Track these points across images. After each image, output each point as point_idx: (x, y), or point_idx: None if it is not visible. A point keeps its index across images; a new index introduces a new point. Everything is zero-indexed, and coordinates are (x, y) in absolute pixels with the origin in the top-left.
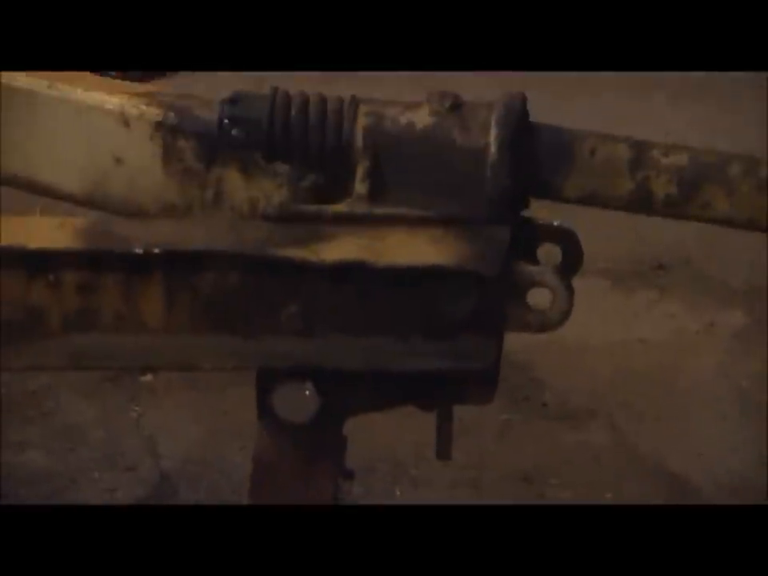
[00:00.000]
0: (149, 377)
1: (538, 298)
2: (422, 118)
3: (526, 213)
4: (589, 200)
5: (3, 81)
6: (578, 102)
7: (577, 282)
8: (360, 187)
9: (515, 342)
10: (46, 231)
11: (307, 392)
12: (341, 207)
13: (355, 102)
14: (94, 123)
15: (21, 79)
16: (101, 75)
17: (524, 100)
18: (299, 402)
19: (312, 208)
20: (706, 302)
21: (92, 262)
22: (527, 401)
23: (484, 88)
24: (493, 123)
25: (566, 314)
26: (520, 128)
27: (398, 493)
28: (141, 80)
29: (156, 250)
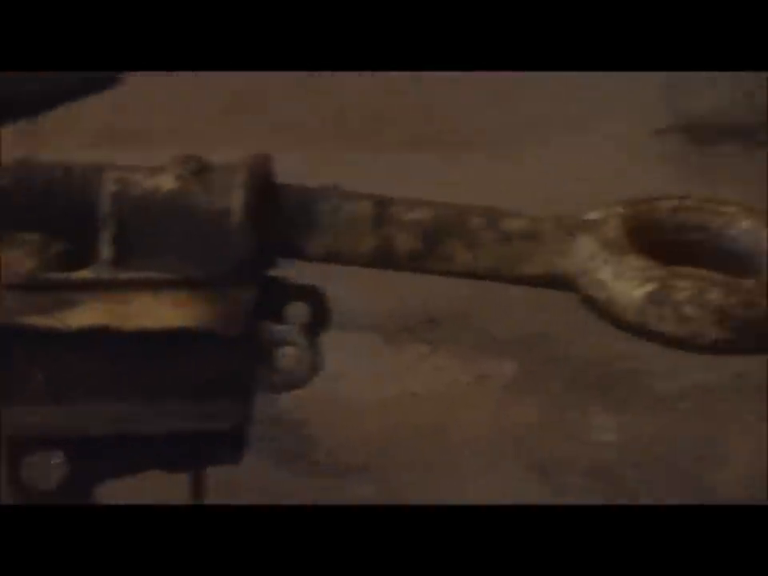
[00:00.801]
0: None
1: (287, 356)
2: (167, 183)
3: (274, 272)
4: (334, 258)
5: None
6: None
7: (348, 339)
8: (105, 252)
9: (288, 401)
10: None
11: (55, 460)
12: (86, 273)
13: (100, 168)
14: None
15: None
16: None
17: (268, 161)
18: (47, 469)
19: (58, 276)
20: (477, 354)
21: None
22: (299, 459)
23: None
24: (236, 185)
25: (314, 372)
26: (264, 189)
27: None
28: None
29: None
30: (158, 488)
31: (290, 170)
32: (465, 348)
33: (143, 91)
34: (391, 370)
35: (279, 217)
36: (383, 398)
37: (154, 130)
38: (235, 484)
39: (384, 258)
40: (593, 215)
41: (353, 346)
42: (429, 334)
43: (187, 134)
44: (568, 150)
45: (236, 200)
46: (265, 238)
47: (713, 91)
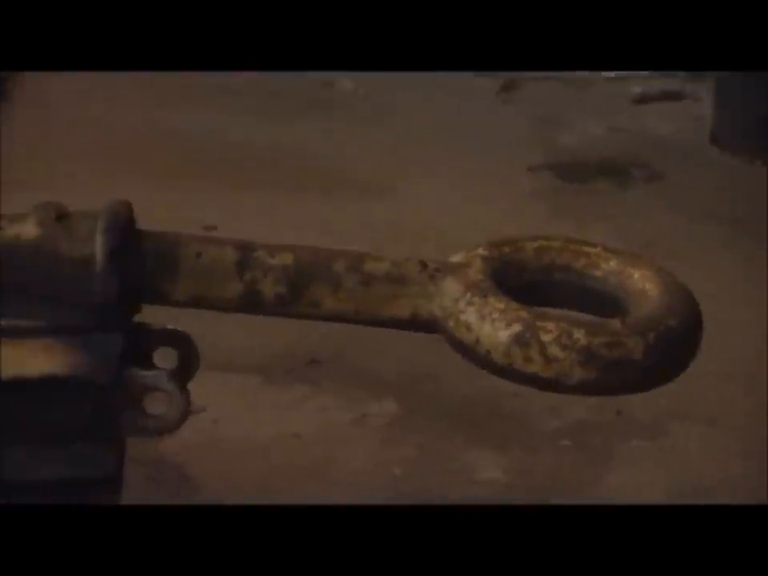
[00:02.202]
0: None
1: (157, 402)
2: (29, 230)
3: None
4: (199, 303)
5: None
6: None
7: (230, 380)
8: None
9: (166, 443)
10: None
11: None
12: None
13: None
14: None
15: None
16: None
17: (129, 207)
18: None
19: None
20: (359, 394)
21: None
22: (183, 500)
23: None
24: (98, 232)
25: (183, 416)
26: (125, 235)
27: None
28: None
29: None
30: None
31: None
32: (346, 388)
33: None
34: (273, 410)
35: (142, 262)
36: (265, 439)
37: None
38: None
39: (251, 304)
40: (456, 257)
41: (234, 386)
42: (310, 374)
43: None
44: (439, 188)
45: (99, 246)
46: (129, 284)
47: (584, 127)
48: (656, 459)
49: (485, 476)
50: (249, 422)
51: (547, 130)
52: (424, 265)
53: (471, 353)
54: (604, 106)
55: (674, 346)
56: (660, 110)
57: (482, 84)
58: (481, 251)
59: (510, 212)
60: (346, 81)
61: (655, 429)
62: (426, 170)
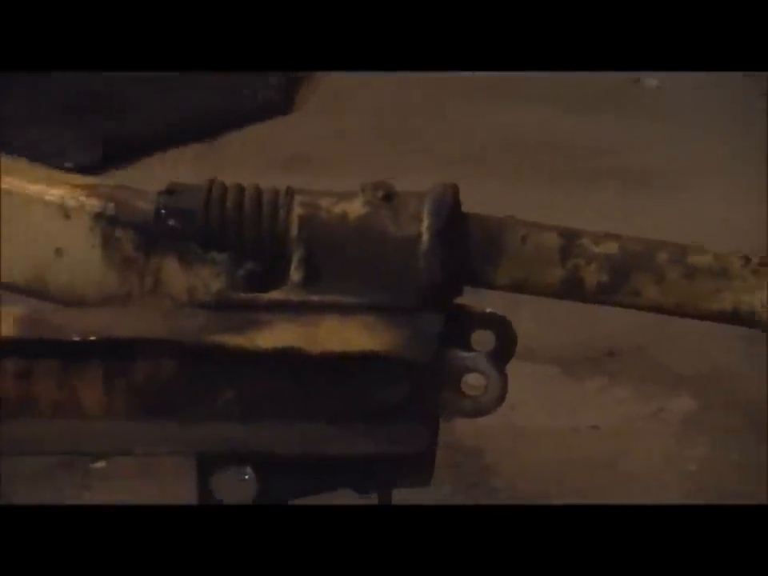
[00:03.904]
0: (101, 464)
1: (472, 383)
2: (356, 208)
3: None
4: (520, 287)
5: None
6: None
7: (527, 369)
8: (295, 275)
9: (465, 427)
10: None
11: (246, 477)
12: (276, 294)
13: (291, 192)
14: (34, 215)
15: None
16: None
17: (456, 190)
18: (238, 486)
19: (248, 295)
20: (656, 388)
21: (30, 350)
22: (477, 486)
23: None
24: (425, 213)
25: (499, 400)
26: (451, 218)
27: None
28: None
29: (92, 338)
30: None
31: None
32: (644, 381)
33: (317, 120)
34: (570, 401)
35: (466, 245)
36: (560, 429)
37: (330, 158)
38: None
39: (572, 290)
40: None
41: (532, 375)
42: (609, 366)
43: (363, 162)
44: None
45: (425, 227)
46: (452, 266)
47: None
48: None
49: None
50: (546, 411)
51: None
52: (747, 259)
53: None
54: None
55: None
56: None
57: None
58: None
59: None
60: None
61: None
62: (716, 169)
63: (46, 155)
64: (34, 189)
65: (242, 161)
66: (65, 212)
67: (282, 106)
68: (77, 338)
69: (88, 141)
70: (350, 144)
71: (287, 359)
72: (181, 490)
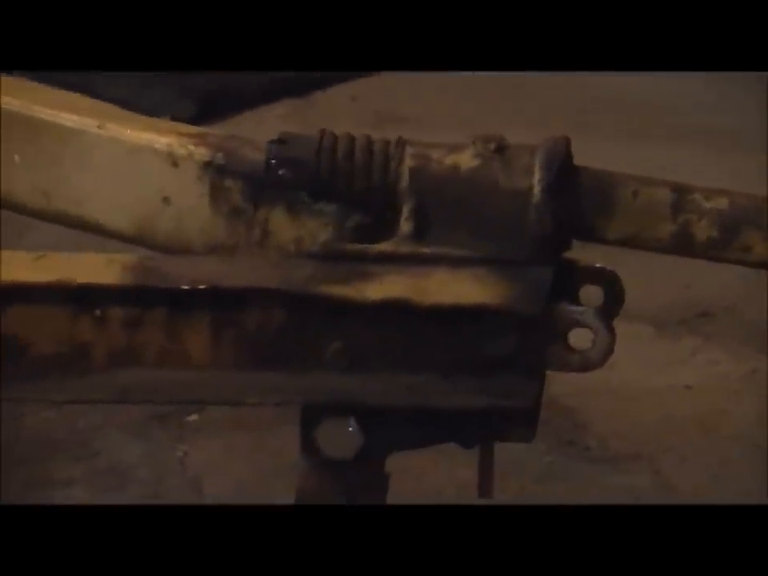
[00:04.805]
0: (195, 416)
1: (579, 338)
2: (467, 160)
3: (568, 254)
4: (630, 242)
5: (54, 120)
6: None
7: (621, 328)
8: (405, 227)
9: (560, 386)
10: (94, 267)
11: (350, 428)
12: (385, 246)
13: (402, 143)
14: (143, 163)
15: (71, 119)
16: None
17: (568, 143)
18: (342, 438)
19: (357, 247)
20: (749, 349)
21: (138, 297)
22: (571, 444)
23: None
24: (537, 166)
25: (607, 355)
26: (563, 171)
27: None
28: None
29: (202, 287)
30: None
31: None
32: (737, 342)
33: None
34: (664, 360)
35: (578, 199)
36: (654, 388)
37: (423, 116)
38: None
39: (682, 246)
40: None
41: (625, 335)
42: (702, 326)
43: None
44: None
45: (537, 179)
46: (563, 220)
47: None
48: None
49: None
50: (639, 370)
51: None
52: None
53: None
54: None
55: None
56: None
57: None
58: None
59: None
60: None
61: None
62: None
63: (143, 109)
64: (143, 137)
65: (332, 118)
66: (173, 160)
67: None
68: (186, 287)
69: (183, 97)
70: (445, 103)
71: (396, 311)
72: (276, 443)
